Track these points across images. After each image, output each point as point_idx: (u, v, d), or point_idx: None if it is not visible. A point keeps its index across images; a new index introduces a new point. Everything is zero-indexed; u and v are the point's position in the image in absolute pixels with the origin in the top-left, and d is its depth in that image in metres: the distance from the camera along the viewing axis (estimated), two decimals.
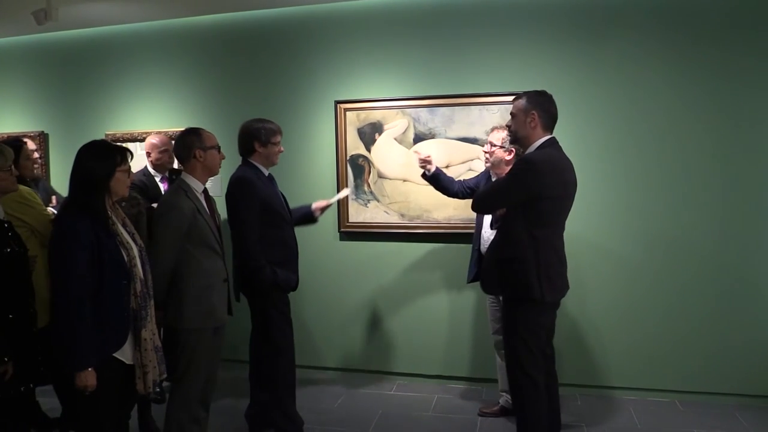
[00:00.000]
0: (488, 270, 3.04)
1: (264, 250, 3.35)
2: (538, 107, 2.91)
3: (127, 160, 2.64)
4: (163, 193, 4.00)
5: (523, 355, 2.91)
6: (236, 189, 3.37)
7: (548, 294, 2.85)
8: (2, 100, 5.44)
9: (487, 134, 3.86)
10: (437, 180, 3.83)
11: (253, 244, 3.33)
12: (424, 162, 3.80)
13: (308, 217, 3.83)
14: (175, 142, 3.12)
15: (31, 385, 2.92)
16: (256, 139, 3.42)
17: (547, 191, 2.80)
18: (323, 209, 3.86)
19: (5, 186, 2.91)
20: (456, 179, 3.95)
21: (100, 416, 2.56)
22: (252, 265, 3.34)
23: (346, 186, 4.50)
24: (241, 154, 3.49)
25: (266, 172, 3.50)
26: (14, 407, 2.93)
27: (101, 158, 2.55)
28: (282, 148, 3.54)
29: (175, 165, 4.25)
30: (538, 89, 2.99)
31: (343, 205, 4.54)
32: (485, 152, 3.70)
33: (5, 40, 5.36)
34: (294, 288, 3.54)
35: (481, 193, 3.09)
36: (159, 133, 4.47)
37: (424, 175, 3.86)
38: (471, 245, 3.78)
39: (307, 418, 3.72)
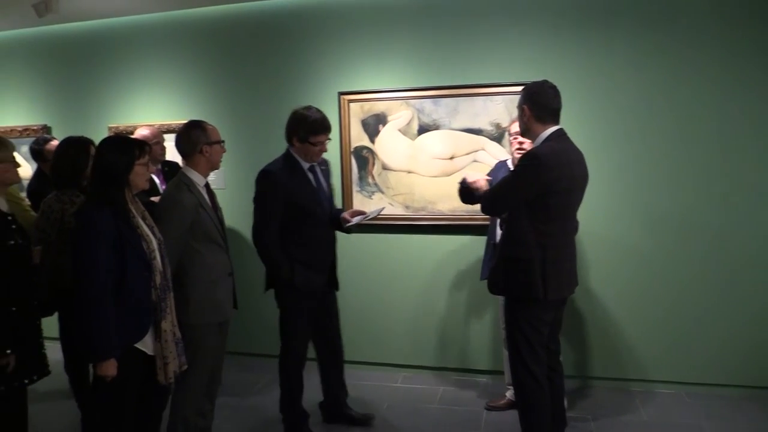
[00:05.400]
0: (495, 269, 3.00)
1: (287, 246, 3.29)
2: (527, 101, 2.86)
3: (146, 153, 2.64)
4: (158, 185, 3.98)
5: (525, 351, 2.89)
6: (258, 181, 3.31)
7: (552, 293, 2.81)
8: (5, 93, 5.43)
9: (507, 126, 3.79)
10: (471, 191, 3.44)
11: (267, 238, 3.28)
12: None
13: (336, 222, 3.50)
14: (178, 137, 3.07)
15: (35, 378, 2.93)
16: (294, 133, 3.28)
17: (554, 185, 2.74)
18: (353, 220, 3.43)
19: (9, 178, 2.91)
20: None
21: (123, 406, 2.58)
22: (267, 261, 3.31)
23: (380, 206, 3.97)
24: (286, 140, 3.36)
25: (306, 165, 3.35)
26: (14, 400, 2.93)
27: (121, 152, 2.56)
28: (325, 147, 3.32)
29: (167, 157, 4.24)
30: (540, 80, 2.93)
31: (347, 197, 4.51)
32: (515, 141, 3.55)
33: (6, 33, 5.34)
34: (318, 290, 3.40)
35: (488, 193, 2.99)
36: (151, 125, 4.45)
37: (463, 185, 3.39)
38: (474, 236, 3.67)
39: (312, 411, 3.71)
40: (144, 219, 2.68)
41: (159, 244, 2.68)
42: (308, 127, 3.24)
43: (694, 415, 3.74)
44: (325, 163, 3.58)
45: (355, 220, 3.44)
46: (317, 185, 3.40)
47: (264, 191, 3.29)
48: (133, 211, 2.62)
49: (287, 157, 3.36)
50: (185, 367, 2.77)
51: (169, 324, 2.65)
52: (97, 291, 2.40)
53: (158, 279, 2.60)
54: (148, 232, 2.64)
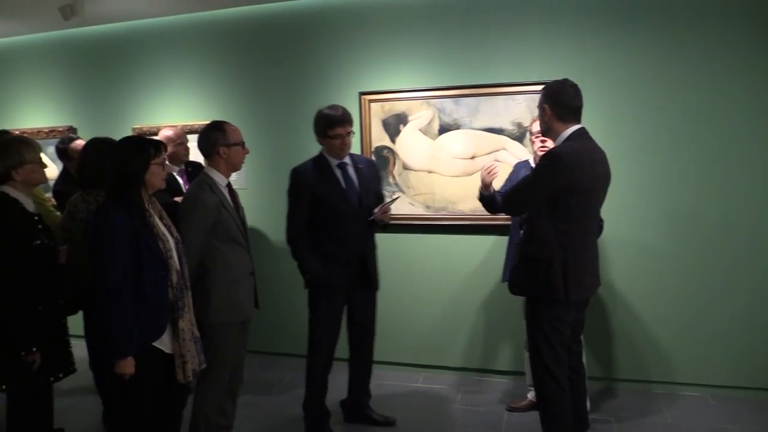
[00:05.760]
0: (516, 269, 2.98)
1: (315, 240, 3.38)
2: (548, 100, 2.83)
3: (162, 153, 2.67)
4: (181, 186, 4.02)
5: (546, 353, 2.86)
6: (289, 181, 3.42)
7: (573, 294, 2.78)
8: (31, 95, 5.52)
9: (529, 125, 3.81)
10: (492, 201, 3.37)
11: (291, 232, 3.39)
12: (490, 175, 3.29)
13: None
14: (199, 137, 3.10)
15: (61, 375, 2.98)
16: (317, 131, 3.39)
17: (575, 185, 2.71)
18: (382, 210, 3.46)
19: (36, 178, 2.97)
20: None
21: (142, 404, 2.61)
22: (292, 253, 3.41)
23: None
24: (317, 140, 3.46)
25: (334, 162, 3.41)
26: (39, 398, 2.98)
27: (136, 152, 2.59)
28: (347, 140, 3.35)
29: (191, 157, 4.27)
30: (560, 78, 2.90)
31: None
32: (537, 140, 3.50)
33: (33, 36, 5.43)
34: (338, 285, 3.42)
35: (508, 192, 2.98)
36: (175, 126, 4.51)
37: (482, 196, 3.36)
38: (495, 236, 3.63)
39: (334, 410, 3.72)
40: (161, 218, 2.71)
41: (176, 244, 2.70)
42: (324, 122, 3.33)
43: (719, 418, 3.69)
44: (362, 162, 3.58)
45: (377, 212, 3.46)
46: (347, 183, 3.43)
47: (290, 188, 3.41)
48: (150, 210, 2.65)
49: (318, 156, 3.45)
50: (204, 365, 2.79)
51: (186, 323, 2.67)
52: (114, 290, 2.43)
53: (175, 278, 2.62)
54: (165, 232, 2.67)
